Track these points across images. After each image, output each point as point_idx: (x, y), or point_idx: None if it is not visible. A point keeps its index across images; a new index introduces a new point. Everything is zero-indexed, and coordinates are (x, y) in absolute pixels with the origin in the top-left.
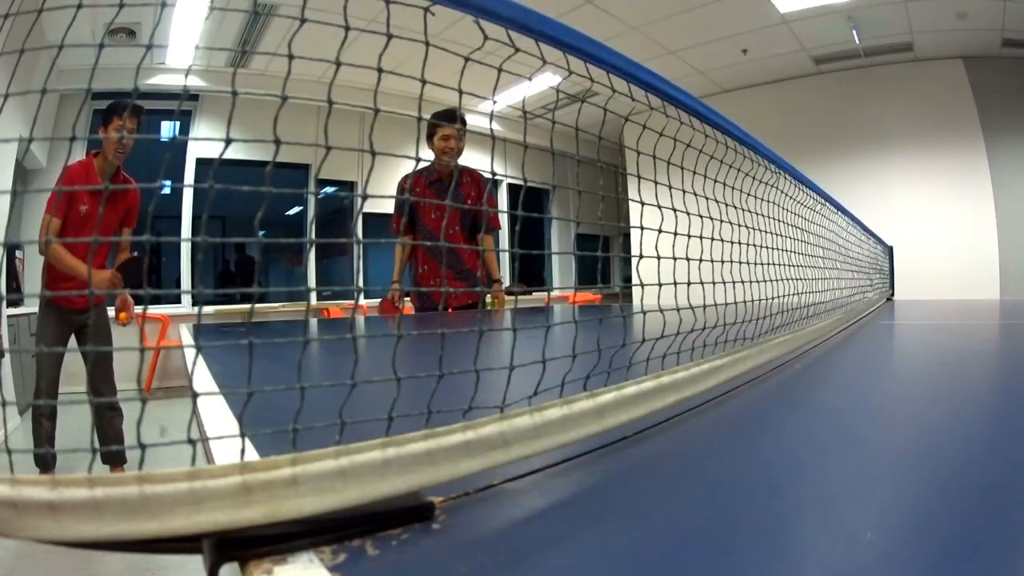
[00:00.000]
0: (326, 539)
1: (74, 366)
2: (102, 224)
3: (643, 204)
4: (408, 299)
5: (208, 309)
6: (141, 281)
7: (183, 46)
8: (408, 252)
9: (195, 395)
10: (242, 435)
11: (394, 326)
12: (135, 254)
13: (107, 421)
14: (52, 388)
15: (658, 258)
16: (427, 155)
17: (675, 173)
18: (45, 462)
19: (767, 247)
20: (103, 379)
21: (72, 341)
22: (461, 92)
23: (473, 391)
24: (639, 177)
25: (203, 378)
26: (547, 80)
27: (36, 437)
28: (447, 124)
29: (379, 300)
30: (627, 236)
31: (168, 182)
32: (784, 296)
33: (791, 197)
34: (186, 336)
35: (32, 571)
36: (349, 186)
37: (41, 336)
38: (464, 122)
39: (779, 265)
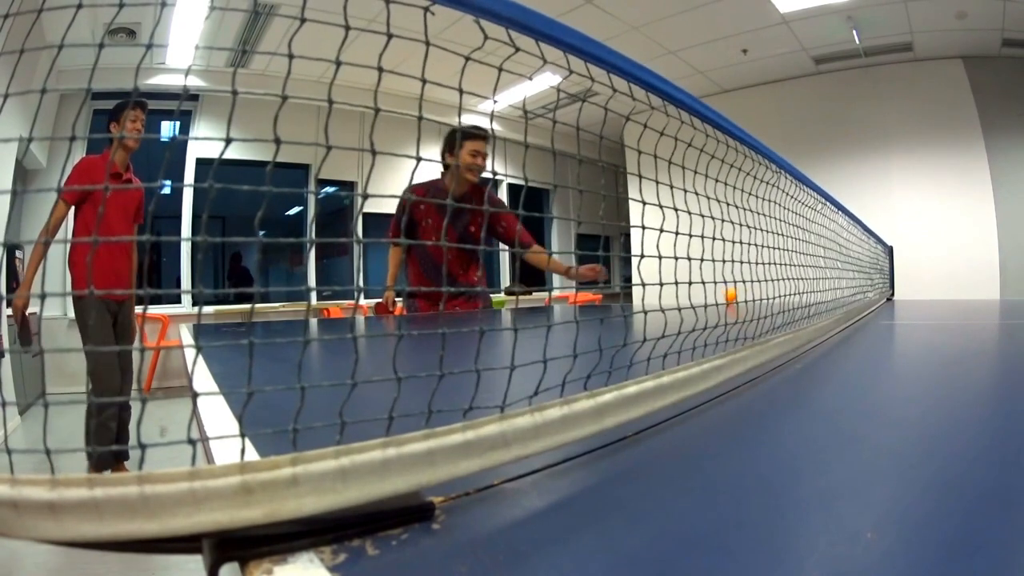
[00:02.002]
0: (326, 539)
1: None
2: (121, 213)
3: (644, 203)
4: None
5: (208, 309)
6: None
7: (183, 46)
8: (400, 261)
9: (195, 395)
10: (242, 435)
11: (393, 326)
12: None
13: (128, 418)
14: (116, 383)
15: (659, 257)
16: (427, 158)
17: (676, 172)
18: (105, 460)
19: (768, 247)
20: (125, 376)
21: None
22: (461, 92)
23: (473, 391)
24: (640, 176)
25: (203, 378)
26: (547, 80)
27: (96, 437)
28: (478, 138)
29: (375, 301)
30: (627, 236)
31: (168, 182)
32: (784, 296)
33: (791, 196)
34: (186, 336)
35: (32, 571)
36: (349, 186)
37: (90, 332)
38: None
39: (780, 265)
